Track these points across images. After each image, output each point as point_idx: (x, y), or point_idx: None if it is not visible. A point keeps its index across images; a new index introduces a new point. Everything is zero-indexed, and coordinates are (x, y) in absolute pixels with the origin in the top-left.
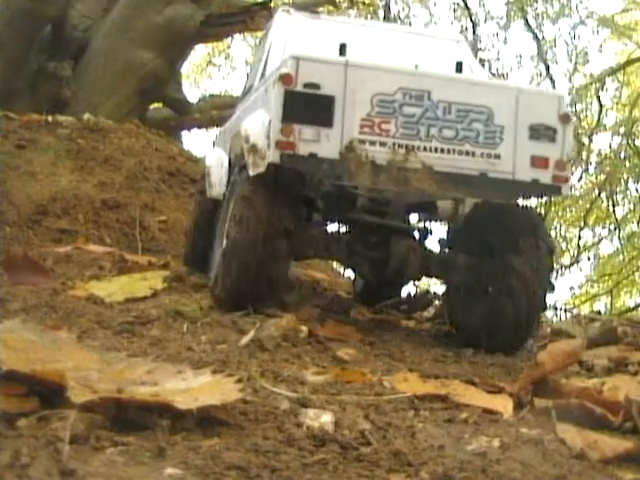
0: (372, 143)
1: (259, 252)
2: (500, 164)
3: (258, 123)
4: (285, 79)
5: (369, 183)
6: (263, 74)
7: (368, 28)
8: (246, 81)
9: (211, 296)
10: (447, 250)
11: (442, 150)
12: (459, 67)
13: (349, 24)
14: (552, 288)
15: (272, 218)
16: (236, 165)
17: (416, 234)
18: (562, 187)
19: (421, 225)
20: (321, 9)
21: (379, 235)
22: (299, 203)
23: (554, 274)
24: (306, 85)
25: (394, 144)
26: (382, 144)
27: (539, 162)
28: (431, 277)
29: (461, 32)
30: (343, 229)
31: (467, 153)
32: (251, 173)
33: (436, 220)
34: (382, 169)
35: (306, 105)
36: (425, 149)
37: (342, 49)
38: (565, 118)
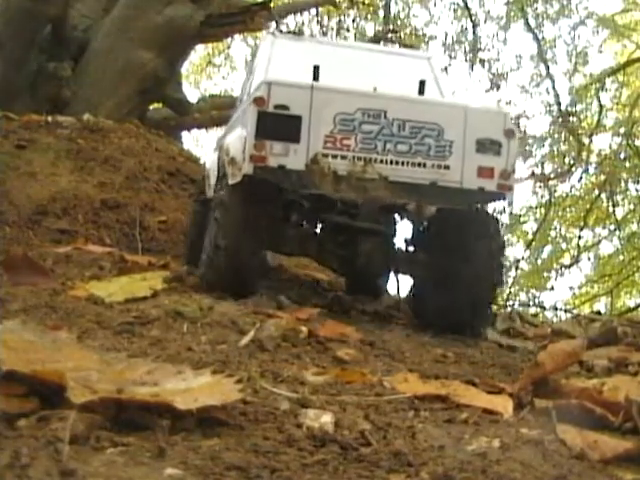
0: (334, 156)
1: (236, 250)
2: (449, 174)
3: (237, 139)
4: (258, 101)
5: (331, 191)
6: (249, 92)
7: (344, 49)
8: (240, 94)
9: (200, 285)
10: (412, 248)
11: (396, 162)
12: (422, 86)
13: (327, 45)
14: (501, 283)
15: (247, 221)
16: (221, 172)
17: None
18: (506, 194)
19: (388, 226)
20: (321, 9)
21: (348, 235)
22: (274, 207)
23: (505, 271)
24: (277, 106)
25: (354, 157)
26: (343, 157)
27: (485, 172)
28: (396, 272)
29: (461, 32)
30: (318, 229)
31: (419, 165)
32: (230, 182)
33: (409, 220)
34: (343, 179)
35: (277, 124)
36: (381, 161)
37: (315, 71)
38: (509, 133)
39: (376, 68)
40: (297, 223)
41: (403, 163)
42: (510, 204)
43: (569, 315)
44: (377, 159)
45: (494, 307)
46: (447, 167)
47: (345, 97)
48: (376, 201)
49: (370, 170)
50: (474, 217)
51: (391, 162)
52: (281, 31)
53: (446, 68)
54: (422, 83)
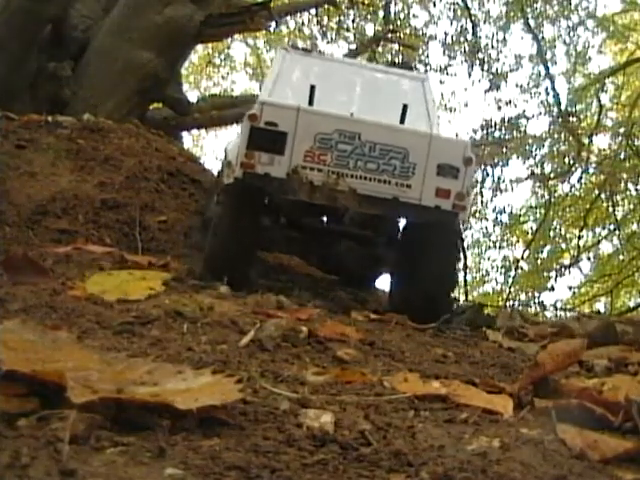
0: (312, 169)
1: (229, 244)
2: (410, 192)
3: (235, 146)
4: (252, 117)
5: (307, 198)
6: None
7: (346, 66)
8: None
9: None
10: (389, 249)
11: (365, 178)
12: (404, 110)
13: (332, 62)
14: (457, 279)
15: (238, 220)
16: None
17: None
18: (459, 213)
19: (367, 230)
20: (321, 8)
21: (327, 237)
22: (262, 210)
23: (457, 270)
24: (267, 123)
25: (328, 171)
26: (319, 170)
27: (442, 193)
28: (368, 271)
29: (460, 32)
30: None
31: (384, 182)
32: (225, 182)
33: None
34: (317, 189)
35: (265, 137)
36: (352, 176)
37: (312, 91)
38: (468, 161)
39: (370, 89)
40: (285, 226)
41: (371, 179)
42: (463, 222)
43: (569, 314)
44: (348, 174)
45: (494, 308)
46: (409, 186)
47: (325, 119)
48: (347, 209)
49: (342, 183)
50: (437, 226)
51: (360, 177)
52: (295, 47)
53: (446, 68)
54: (405, 107)
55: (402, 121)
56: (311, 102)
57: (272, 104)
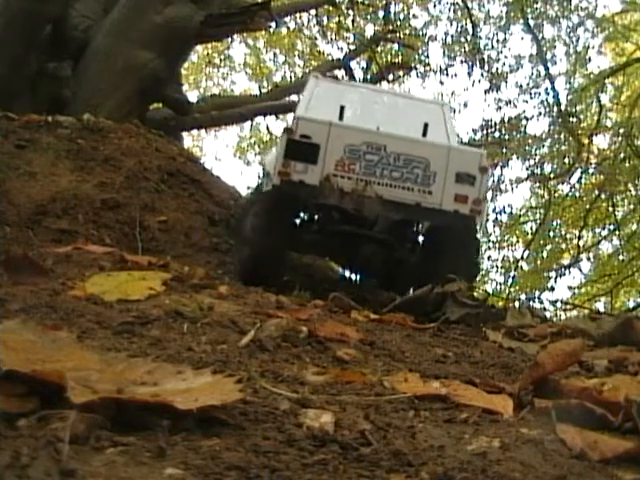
0: (342, 177)
1: (262, 246)
2: (431, 198)
3: (273, 157)
4: (288, 131)
5: (337, 203)
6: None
7: (371, 92)
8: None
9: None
10: (411, 253)
11: (390, 185)
12: (425, 127)
13: (358, 87)
14: (476, 276)
15: (271, 225)
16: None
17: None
18: (476, 217)
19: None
20: (321, 8)
21: (355, 241)
22: (295, 215)
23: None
24: (302, 136)
25: (357, 179)
26: (349, 178)
27: (460, 199)
28: (391, 273)
29: (460, 33)
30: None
31: (408, 189)
32: (264, 189)
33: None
34: (347, 195)
35: (300, 148)
36: (378, 184)
37: (341, 110)
38: (483, 170)
39: (394, 110)
40: (316, 230)
41: (395, 186)
42: (480, 225)
43: (580, 313)
44: (375, 182)
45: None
46: (430, 192)
47: (354, 133)
48: (372, 213)
49: (369, 189)
50: (454, 232)
51: (386, 185)
52: (324, 75)
53: (446, 68)
54: (426, 125)
55: (424, 136)
56: (341, 119)
57: (306, 119)
